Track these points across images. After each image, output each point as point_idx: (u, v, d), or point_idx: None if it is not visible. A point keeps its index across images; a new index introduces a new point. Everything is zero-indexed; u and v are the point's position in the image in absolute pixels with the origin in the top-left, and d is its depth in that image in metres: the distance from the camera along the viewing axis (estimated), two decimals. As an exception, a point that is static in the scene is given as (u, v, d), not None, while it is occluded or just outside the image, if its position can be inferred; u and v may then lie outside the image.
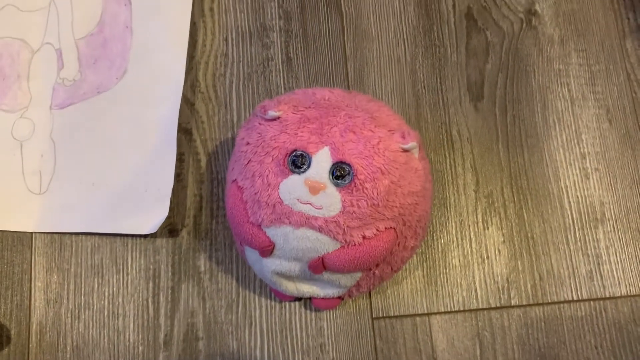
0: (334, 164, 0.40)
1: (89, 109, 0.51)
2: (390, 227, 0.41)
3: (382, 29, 0.55)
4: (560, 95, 0.53)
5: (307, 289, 0.45)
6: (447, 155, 0.52)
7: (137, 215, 0.48)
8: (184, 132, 0.52)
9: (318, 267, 0.42)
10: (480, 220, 0.50)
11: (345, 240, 0.40)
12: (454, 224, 0.50)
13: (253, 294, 0.49)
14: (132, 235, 0.49)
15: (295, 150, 0.40)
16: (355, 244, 0.41)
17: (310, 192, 0.39)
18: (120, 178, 0.49)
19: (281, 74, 0.53)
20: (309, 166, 0.40)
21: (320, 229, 0.40)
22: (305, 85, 0.53)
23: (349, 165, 0.39)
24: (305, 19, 0.55)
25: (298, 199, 0.40)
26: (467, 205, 0.50)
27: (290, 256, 0.42)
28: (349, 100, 0.43)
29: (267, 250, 0.42)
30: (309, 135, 0.40)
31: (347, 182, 0.39)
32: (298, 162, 0.40)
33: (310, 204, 0.40)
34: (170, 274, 0.49)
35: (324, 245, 0.41)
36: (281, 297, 0.47)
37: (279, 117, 0.42)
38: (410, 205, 0.42)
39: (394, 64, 0.54)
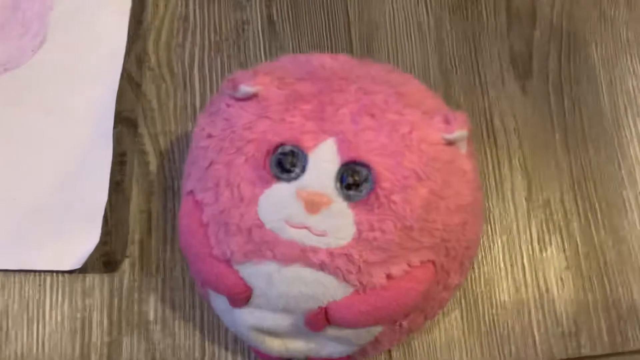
0: (343, 166, 0.27)
1: None
2: (428, 260, 0.29)
3: (397, -16, 0.44)
4: (631, 70, 0.43)
5: (301, 347, 0.32)
6: (488, 152, 0.41)
7: (56, 243, 0.36)
8: (126, 123, 0.40)
9: (319, 322, 0.29)
10: (536, 239, 0.39)
11: (361, 282, 0.28)
12: (500, 246, 0.39)
13: (225, 351, 0.36)
14: (51, 271, 0.36)
15: (281, 144, 0.27)
16: (376, 288, 0.28)
17: (307, 210, 0.27)
18: (32, 190, 0.37)
19: (261, 43, 0.42)
20: (303, 169, 0.27)
21: (322, 267, 0.27)
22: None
23: (366, 166, 0.27)
24: (293, -33, 0.43)
25: (287, 221, 0.27)
26: (517, 219, 0.40)
27: (276, 306, 0.29)
28: (360, 70, 0.30)
29: (241, 298, 0.28)
30: (302, 121, 0.27)
31: (364, 193, 0.27)
32: (286, 163, 0.27)
33: (307, 228, 0.27)
34: (105, 325, 0.36)
35: (328, 290, 0.28)
36: (265, 357, 0.34)
37: (256, 95, 0.28)
38: (457, 226, 0.29)
39: (413, 30, 0.43)
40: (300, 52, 0.42)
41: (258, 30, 0.41)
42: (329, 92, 0.28)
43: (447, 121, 0.28)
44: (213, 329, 0.36)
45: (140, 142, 0.39)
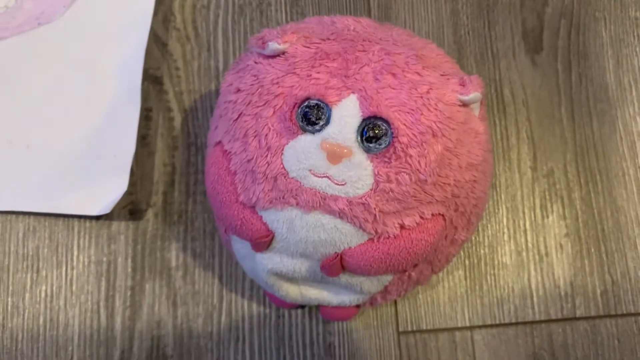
0: (364, 120, 0.28)
1: (25, 45, 0.39)
2: (439, 214, 0.30)
3: (416, -45, 0.43)
4: (638, 49, 0.43)
5: (315, 294, 0.34)
6: (498, 121, 0.42)
7: (85, 190, 0.37)
8: (153, 80, 0.40)
9: (335, 267, 0.30)
10: (538, 206, 0.40)
11: (376, 231, 0.29)
12: (505, 211, 0.40)
13: (241, 298, 0.37)
14: (79, 216, 0.37)
15: (308, 98, 0.28)
16: (389, 237, 0.29)
17: (329, 160, 0.28)
18: (63, 139, 0.38)
19: (282, 8, 0.42)
20: (327, 122, 0.28)
21: (341, 214, 0.28)
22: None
23: (386, 122, 0.28)
24: (316, -63, 0.43)
25: (311, 170, 0.28)
26: (521, 186, 0.41)
27: (295, 251, 0.30)
28: (383, 33, 0.31)
29: (264, 242, 0.30)
30: (328, 78, 0.28)
31: (383, 146, 0.28)
32: (312, 115, 0.28)
33: (328, 177, 0.28)
34: (129, 269, 0.38)
35: (345, 237, 0.29)
36: (279, 303, 0.36)
37: (284, 53, 0.29)
38: (467, 183, 0.30)
39: (430, 1, 0.43)
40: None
41: None
42: (353, 52, 0.29)
43: (463, 83, 0.29)
44: (231, 278, 0.37)
45: (165, 99, 0.40)
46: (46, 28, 0.39)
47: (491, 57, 0.42)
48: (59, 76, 0.38)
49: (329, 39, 0.30)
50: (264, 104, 0.29)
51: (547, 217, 0.40)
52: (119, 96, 0.38)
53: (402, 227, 0.29)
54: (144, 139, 0.39)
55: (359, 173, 0.28)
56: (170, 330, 0.36)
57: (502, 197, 0.40)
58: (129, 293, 0.37)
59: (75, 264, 0.37)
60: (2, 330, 0.36)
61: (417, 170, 0.28)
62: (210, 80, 0.40)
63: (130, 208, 0.38)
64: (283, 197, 0.29)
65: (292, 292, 0.33)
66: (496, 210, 0.40)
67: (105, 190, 0.36)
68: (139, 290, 0.37)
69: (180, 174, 0.39)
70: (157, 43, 0.40)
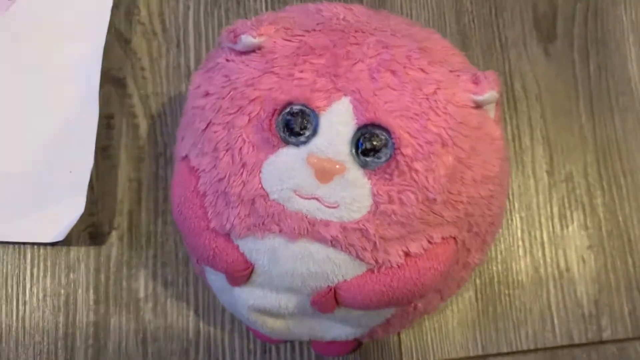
0: (359, 129, 0.24)
1: None
2: (450, 237, 0.26)
3: None
4: None
5: (305, 330, 0.30)
6: (509, 119, 0.39)
7: (37, 214, 0.33)
8: (114, 83, 0.37)
9: (328, 303, 0.26)
10: (557, 215, 0.38)
11: (377, 260, 0.25)
12: (519, 222, 0.37)
13: (221, 332, 0.34)
14: (32, 244, 0.34)
15: (290, 103, 0.25)
16: (392, 266, 0.26)
17: (318, 179, 0.24)
18: (10, 155, 0.34)
19: None
20: (314, 132, 0.24)
21: (333, 243, 0.25)
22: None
23: (386, 130, 0.24)
24: None
25: (295, 191, 0.24)
26: (537, 193, 0.38)
27: (280, 285, 0.27)
28: (378, 22, 0.27)
29: (242, 276, 0.26)
30: (314, 78, 0.24)
31: (383, 160, 0.24)
32: (295, 124, 0.24)
33: (317, 198, 0.24)
34: (92, 302, 0.34)
35: (339, 268, 0.25)
36: (264, 339, 0.32)
37: (260, 48, 0.25)
38: (483, 199, 0.27)
39: None
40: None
41: None
42: (344, 45, 0.25)
43: (476, 81, 0.25)
44: (209, 309, 0.34)
45: (129, 103, 0.36)
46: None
47: (499, 48, 0.40)
48: (4, 81, 0.35)
49: (314, 30, 0.26)
50: (237, 111, 0.25)
51: (567, 227, 0.37)
52: (74, 102, 0.35)
53: (407, 254, 0.25)
54: (104, 151, 0.35)
55: (354, 193, 0.24)
56: (141, 372, 0.32)
57: (516, 205, 0.37)
58: (91, 330, 0.33)
59: (28, 297, 0.34)
60: (-57, 378, 0.32)
61: (425, 187, 0.24)
62: (180, 81, 0.37)
63: (90, 231, 0.34)
64: (263, 224, 0.25)
65: (279, 327, 0.29)
66: (510, 222, 0.37)
67: (61, 212, 0.33)
68: (103, 326, 0.34)
69: (147, 190, 0.35)
70: (118, 40, 0.37)
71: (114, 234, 0.34)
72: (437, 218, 0.25)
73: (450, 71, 0.25)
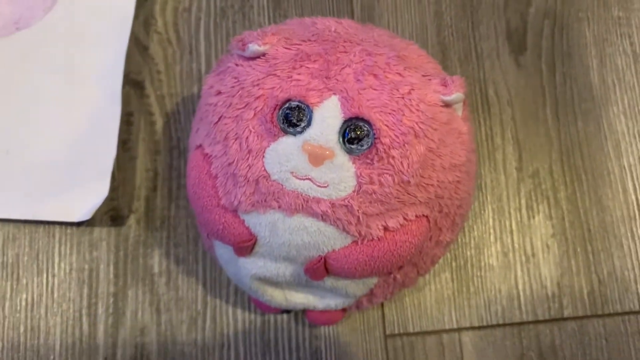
0: (346, 121, 0.28)
1: (3, 50, 0.38)
2: (423, 215, 0.30)
3: (398, -43, 0.43)
4: (621, 49, 0.43)
5: (300, 299, 0.33)
6: (483, 122, 0.42)
7: (65, 196, 0.36)
8: (134, 85, 0.40)
9: (318, 271, 0.30)
10: (524, 207, 0.40)
11: (360, 233, 0.29)
12: (491, 212, 0.40)
13: (226, 304, 0.37)
14: (60, 223, 0.37)
15: (289, 100, 0.28)
16: (373, 239, 0.29)
17: (311, 162, 0.27)
18: (43, 145, 0.37)
19: (265, 11, 0.42)
20: (309, 124, 0.28)
21: (323, 217, 0.28)
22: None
23: (368, 122, 0.28)
24: (298, -60, 0.43)
25: (292, 172, 0.28)
26: (507, 187, 0.41)
27: (278, 255, 0.30)
28: (364, 34, 0.31)
29: (246, 246, 0.30)
30: (309, 79, 0.28)
31: (365, 147, 0.27)
32: (293, 117, 0.28)
33: (310, 179, 0.28)
34: (112, 276, 0.37)
35: (328, 239, 0.29)
36: (264, 308, 0.35)
37: (264, 54, 0.29)
38: (451, 183, 0.30)
39: (413, 2, 0.43)
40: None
41: (264, 1, 0.41)
42: (334, 53, 0.28)
43: (444, 84, 0.29)
44: (215, 283, 0.37)
45: (146, 103, 0.39)
46: (25, 33, 0.38)
47: (475, 58, 0.42)
48: (38, 81, 0.38)
49: (309, 40, 0.29)
50: (245, 106, 0.28)
51: (533, 217, 0.40)
52: (100, 100, 0.38)
53: (385, 229, 0.29)
54: (125, 144, 0.38)
55: (341, 175, 0.27)
56: (154, 338, 0.36)
57: (488, 198, 0.40)
58: (111, 300, 0.36)
59: (56, 271, 0.37)
60: (-19, 341, 0.35)
61: (400, 171, 0.28)
62: (192, 84, 0.40)
63: (112, 214, 0.37)
64: (265, 200, 0.28)
65: (277, 296, 0.33)
66: (482, 212, 0.40)
67: (86, 196, 0.35)
68: (122, 297, 0.37)
69: (162, 178, 0.38)
70: (138, 47, 0.40)
71: (132, 217, 0.38)
72: (411, 198, 0.28)
73: (423, 75, 0.29)
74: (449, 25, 0.42)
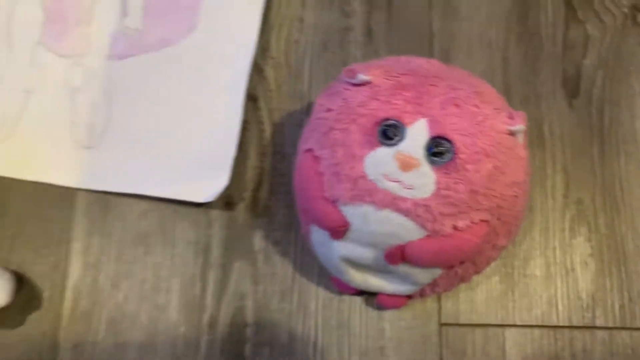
0: (431, 139, 0.35)
1: (150, 63, 0.47)
2: (485, 220, 0.36)
3: (474, 8, 0.51)
4: None
5: (375, 282, 0.40)
6: (537, 153, 0.48)
7: (193, 181, 0.44)
8: (250, 98, 0.48)
9: (396, 256, 0.37)
10: (568, 228, 0.46)
11: (434, 230, 0.35)
12: (538, 230, 0.46)
13: (310, 283, 0.44)
14: (185, 204, 0.45)
15: (387, 119, 0.35)
16: (444, 235, 0.36)
17: (401, 168, 0.35)
18: (178, 139, 0.45)
19: (360, 46, 0.49)
20: (402, 139, 0.35)
21: (407, 213, 0.35)
22: (385, 61, 0.48)
23: (449, 141, 0.35)
24: (391, -10, 0.51)
25: (385, 175, 0.35)
26: (554, 211, 0.46)
27: (365, 241, 0.37)
28: (448, 72, 0.38)
29: (341, 231, 0.37)
30: (404, 104, 0.35)
31: (445, 160, 0.35)
32: (390, 132, 0.35)
33: (399, 182, 0.35)
34: (222, 249, 0.45)
35: (408, 232, 0.36)
36: (342, 288, 0.43)
37: (369, 82, 0.37)
38: (510, 197, 0.37)
39: (484, 47, 0.50)
40: (390, 55, 0.46)
41: (358, 36, 0.49)
42: (425, 85, 0.36)
43: (511, 117, 0.36)
44: (303, 264, 0.44)
45: (259, 114, 0.47)
46: (169, 49, 0.47)
47: (534, 99, 0.48)
48: (177, 89, 0.46)
49: (405, 74, 0.37)
50: (351, 122, 0.36)
51: (575, 238, 0.45)
52: (225, 109, 0.45)
53: (455, 228, 0.35)
54: (240, 146, 0.46)
55: (424, 180, 0.35)
56: (251, 303, 0.44)
57: (537, 218, 0.46)
58: (219, 270, 0.44)
59: (177, 241, 0.44)
60: (116, 290, 0.44)
61: (472, 182, 0.35)
62: (296, 101, 0.47)
63: (225, 200, 0.45)
64: (361, 196, 0.35)
65: (357, 278, 0.40)
66: (531, 229, 0.45)
67: (210, 183, 0.43)
68: (228, 268, 0.44)
69: (267, 176, 0.46)
70: (255, 67, 0.48)
71: (241, 204, 0.45)
72: (478, 205, 0.35)
73: (494, 108, 0.36)
74: (513, 70, 0.49)
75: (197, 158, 0.45)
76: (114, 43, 0.47)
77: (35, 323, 0.42)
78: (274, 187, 0.46)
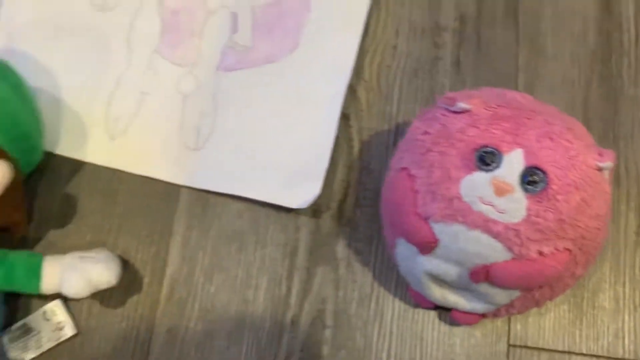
0: (526, 168, 0.37)
1: (255, 76, 0.51)
2: (568, 249, 0.38)
3: (559, 48, 0.53)
4: None
5: (453, 298, 0.43)
6: (612, 190, 0.48)
7: (288, 188, 0.48)
8: (342, 116, 0.51)
9: (481, 275, 0.39)
10: (638, 265, 0.48)
11: (520, 253, 0.38)
12: (609, 264, 0.48)
13: (388, 293, 0.47)
14: (276, 208, 0.48)
15: (485, 146, 0.38)
16: (528, 259, 0.38)
17: (496, 193, 0.37)
18: (277, 148, 0.49)
19: (448, 76, 0.53)
20: (498, 165, 0.38)
21: (497, 235, 0.38)
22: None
23: (543, 171, 0.37)
24: (481, 24, 0.54)
25: (480, 198, 0.38)
26: (625, 247, 0.48)
27: (452, 258, 0.40)
28: (541, 107, 0.41)
29: (429, 247, 0.40)
30: (502, 134, 0.38)
31: (538, 189, 0.37)
32: (487, 159, 0.38)
33: (492, 205, 0.37)
34: (307, 254, 0.48)
35: (494, 253, 0.38)
36: (420, 301, 0.45)
37: (468, 110, 0.40)
38: (593, 229, 0.39)
39: (567, 86, 0.52)
40: (477, 86, 0.49)
41: (447, 66, 0.52)
42: (521, 118, 0.39)
43: (601, 154, 0.38)
44: (382, 274, 0.47)
45: (349, 131, 0.50)
46: (272, 66, 0.51)
47: (612, 137, 0.51)
48: (278, 102, 0.50)
49: (502, 105, 0.40)
50: (449, 145, 0.39)
51: None
52: (321, 124, 0.49)
53: (540, 253, 0.38)
54: (330, 159, 0.49)
55: (516, 206, 0.37)
56: (331, 307, 0.46)
57: (609, 253, 0.48)
58: (304, 273, 0.47)
59: (268, 242, 0.48)
60: (209, 283, 0.47)
61: (560, 211, 0.37)
62: (384, 122, 0.51)
63: (313, 208, 0.49)
64: (453, 215, 0.38)
65: (436, 292, 0.43)
66: (602, 263, 0.47)
67: (303, 191, 0.47)
68: (312, 271, 0.47)
69: (353, 189, 0.49)
70: (349, 88, 0.51)
71: (327, 213, 0.48)
72: (563, 233, 0.37)
73: (586, 145, 0.38)
74: (594, 108, 0.51)
75: (292, 167, 0.48)
76: (223, 56, 0.52)
77: (135, 305, 0.46)
78: (359, 200, 0.49)
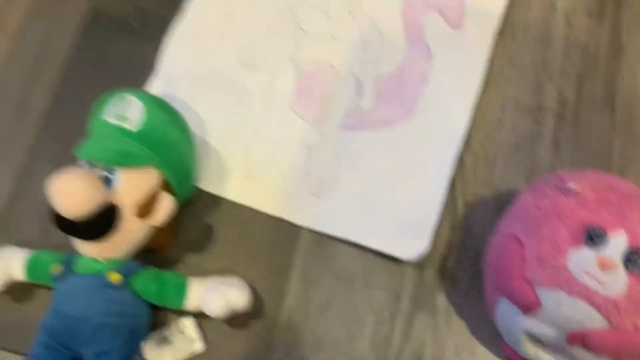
0: (630, 249, 0.42)
1: (374, 137, 0.57)
2: None
3: (653, 137, 0.58)
4: None
5: (546, 357, 0.47)
6: None
7: (400, 240, 0.53)
8: (450, 180, 0.57)
9: (578, 340, 0.44)
10: None
11: (617, 324, 0.42)
12: None
13: (482, 345, 0.52)
14: (385, 257, 0.54)
15: (593, 225, 0.43)
16: (625, 330, 0.42)
17: (600, 269, 0.42)
18: (391, 204, 0.55)
19: (547, 152, 0.58)
20: (603, 243, 0.43)
21: (597, 305, 0.42)
22: (566, 169, 0.56)
23: None
24: (580, 108, 0.59)
25: (585, 271, 0.42)
26: None
27: (551, 321, 0.44)
28: None
29: (532, 309, 0.45)
30: (608, 216, 0.43)
31: (638, 269, 0.42)
32: (595, 237, 0.43)
33: (596, 278, 0.42)
34: (410, 300, 0.53)
35: (593, 321, 0.43)
36: (511, 355, 0.50)
37: (576, 191, 0.45)
38: None
39: None
40: (571, 166, 0.56)
41: (546, 143, 0.57)
42: (627, 203, 0.44)
43: None
44: (478, 328, 0.52)
45: (454, 194, 0.56)
46: (389, 129, 0.58)
47: None
48: (393, 163, 0.56)
49: (607, 190, 0.45)
50: (559, 221, 0.44)
51: None
52: (432, 184, 0.55)
53: (635, 327, 0.42)
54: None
55: (617, 281, 0.42)
56: (429, 351, 0.51)
57: None
58: (407, 316, 0.52)
59: (376, 286, 0.53)
60: (322, 316, 0.53)
61: None
62: (487, 189, 0.56)
63: (419, 261, 0.54)
64: (558, 283, 0.43)
65: (530, 351, 0.47)
66: None
67: (413, 244, 0.52)
68: (413, 317, 0.52)
69: (455, 247, 0.54)
70: (457, 155, 0.58)
71: (430, 266, 0.53)
72: None
73: None
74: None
75: (404, 222, 0.54)
76: (347, 117, 0.59)
77: (255, 328, 0.52)
78: (460, 258, 0.54)
